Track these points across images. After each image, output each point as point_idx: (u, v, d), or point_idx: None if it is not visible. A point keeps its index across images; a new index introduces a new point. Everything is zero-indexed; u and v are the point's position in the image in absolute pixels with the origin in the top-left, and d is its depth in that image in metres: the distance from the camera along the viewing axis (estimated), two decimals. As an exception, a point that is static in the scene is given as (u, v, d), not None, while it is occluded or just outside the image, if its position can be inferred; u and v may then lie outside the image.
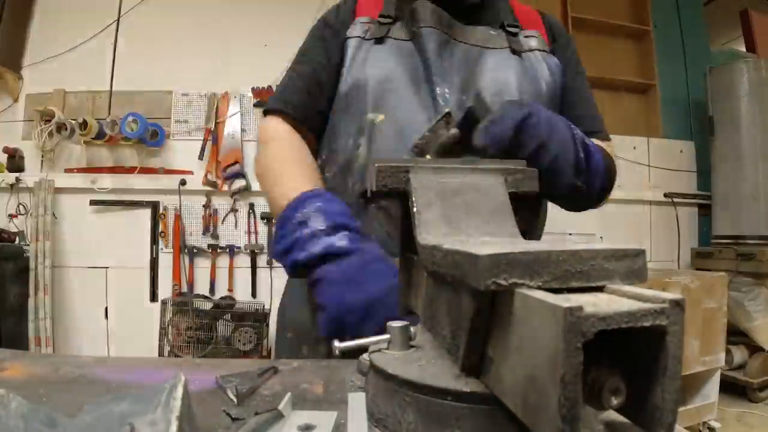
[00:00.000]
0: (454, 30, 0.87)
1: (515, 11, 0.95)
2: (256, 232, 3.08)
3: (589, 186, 0.72)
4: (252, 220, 3.08)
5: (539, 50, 0.91)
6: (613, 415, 0.29)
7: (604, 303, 0.24)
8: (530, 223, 0.89)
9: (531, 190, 0.50)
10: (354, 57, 0.85)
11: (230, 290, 3.06)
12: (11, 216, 2.88)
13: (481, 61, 0.86)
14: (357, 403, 0.36)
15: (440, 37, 0.85)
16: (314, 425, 0.33)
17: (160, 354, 2.74)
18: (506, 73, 0.85)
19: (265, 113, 0.91)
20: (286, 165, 0.82)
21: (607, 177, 0.78)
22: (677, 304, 0.23)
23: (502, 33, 0.90)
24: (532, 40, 0.91)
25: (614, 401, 0.25)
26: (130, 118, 2.82)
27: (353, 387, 0.47)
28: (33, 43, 3.04)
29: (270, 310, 2.85)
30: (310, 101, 0.88)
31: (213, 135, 3.04)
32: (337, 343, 0.44)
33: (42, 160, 2.96)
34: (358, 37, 0.86)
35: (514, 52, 0.88)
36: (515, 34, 0.90)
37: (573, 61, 0.97)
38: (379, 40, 0.86)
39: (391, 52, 0.85)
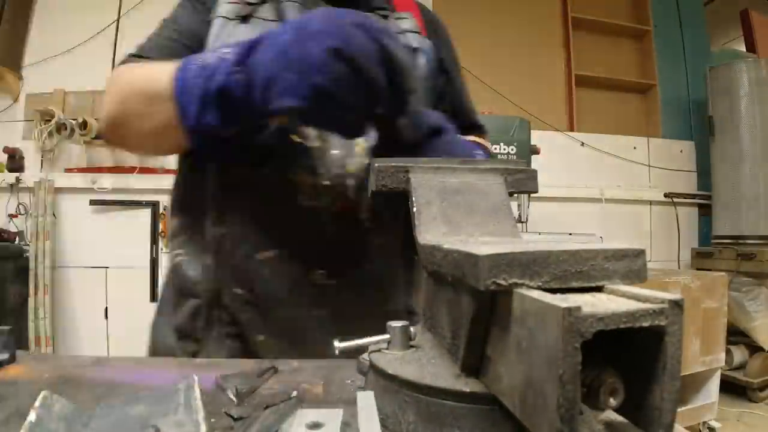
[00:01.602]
0: (318, 4, 0.80)
1: None
2: (256, 232, 3.08)
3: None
4: (252, 220, 3.08)
5: (410, 32, 0.85)
6: (612, 415, 0.30)
7: (603, 303, 0.24)
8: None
9: (531, 190, 0.50)
10: (216, 38, 0.75)
11: (230, 290, 3.06)
12: (11, 216, 2.88)
13: None
14: (366, 401, 0.36)
15: (302, 10, 0.77)
16: (322, 423, 0.33)
17: (160, 354, 2.74)
18: None
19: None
20: (143, 71, 0.67)
21: None
22: (676, 305, 0.23)
23: (372, 16, 0.82)
24: (404, 22, 0.86)
25: (612, 402, 0.25)
26: (130, 118, 2.82)
27: (353, 386, 0.47)
28: (33, 43, 3.04)
29: (270, 310, 2.85)
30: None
31: (213, 135, 3.05)
32: (337, 343, 0.44)
33: (42, 160, 2.96)
34: (222, 17, 0.77)
35: None
36: (386, 17, 0.84)
37: (451, 54, 0.94)
38: (244, 20, 0.76)
39: (254, 31, 0.73)
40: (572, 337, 0.21)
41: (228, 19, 0.76)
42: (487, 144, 0.89)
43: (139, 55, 0.76)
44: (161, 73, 0.60)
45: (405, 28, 0.85)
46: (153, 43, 0.78)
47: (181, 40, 0.77)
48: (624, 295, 0.25)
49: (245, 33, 0.73)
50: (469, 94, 0.98)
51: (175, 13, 0.82)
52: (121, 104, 0.68)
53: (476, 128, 0.92)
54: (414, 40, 0.84)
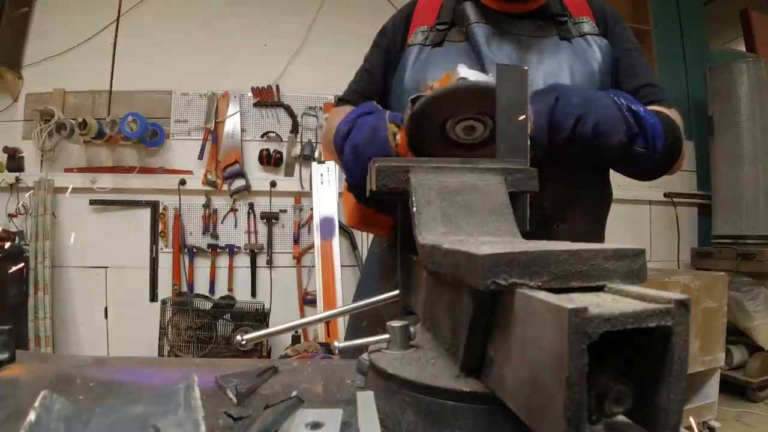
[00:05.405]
0: (501, 23, 0.93)
1: (563, 0, 0.99)
2: (255, 232, 3.08)
3: (649, 149, 0.74)
4: (252, 220, 3.07)
5: (589, 34, 0.95)
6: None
7: (608, 303, 0.23)
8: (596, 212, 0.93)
9: (531, 189, 0.50)
10: (415, 62, 0.94)
11: (230, 290, 3.05)
12: (11, 216, 2.88)
13: (530, 50, 0.92)
14: (366, 401, 0.36)
15: (488, 30, 0.92)
16: (322, 423, 0.33)
17: (160, 354, 2.73)
18: (557, 59, 0.90)
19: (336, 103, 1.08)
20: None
21: (669, 137, 0.78)
22: (683, 305, 0.23)
23: (551, 22, 0.95)
24: (583, 25, 0.96)
25: (618, 409, 0.24)
26: (130, 118, 2.81)
27: (353, 386, 0.47)
28: (33, 43, 3.04)
29: (270, 309, 2.85)
30: (368, 95, 1.00)
31: (213, 135, 3.04)
32: (337, 343, 0.44)
33: (42, 160, 2.95)
34: (419, 44, 0.96)
35: (563, 38, 0.93)
36: (564, 22, 0.95)
37: (623, 37, 1.00)
38: (438, 44, 0.95)
39: (449, 53, 0.92)
40: (579, 339, 0.20)
41: (423, 45, 0.95)
42: (673, 114, 0.91)
43: (344, 99, 1.03)
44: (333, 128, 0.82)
45: (585, 32, 0.95)
46: (351, 89, 1.05)
47: (373, 81, 1.02)
48: (628, 294, 0.25)
49: (440, 55, 0.93)
50: (646, 72, 1.02)
51: (368, 57, 1.05)
52: (325, 144, 1.00)
53: (658, 102, 0.97)
54: (593, 42, 0.95)
